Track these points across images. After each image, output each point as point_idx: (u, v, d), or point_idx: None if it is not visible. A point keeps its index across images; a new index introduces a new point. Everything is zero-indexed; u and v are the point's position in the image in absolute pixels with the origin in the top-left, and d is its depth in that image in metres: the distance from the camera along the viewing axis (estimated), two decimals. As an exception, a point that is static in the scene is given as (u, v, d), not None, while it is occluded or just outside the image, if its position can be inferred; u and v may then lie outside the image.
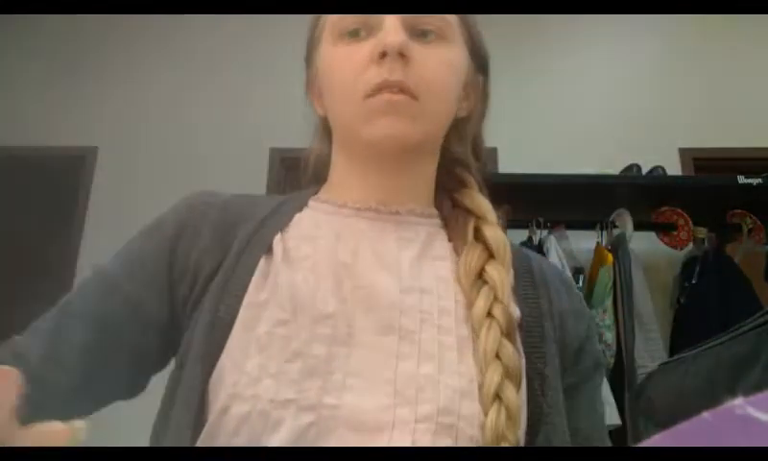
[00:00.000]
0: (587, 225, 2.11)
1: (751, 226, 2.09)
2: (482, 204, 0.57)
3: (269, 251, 0.51)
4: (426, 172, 0.58)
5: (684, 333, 1.99)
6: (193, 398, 0.45)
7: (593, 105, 2.60)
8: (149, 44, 2.88)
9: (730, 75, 2.62)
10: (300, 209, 0.56)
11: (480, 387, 0.45)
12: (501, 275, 0.50)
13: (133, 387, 0.52)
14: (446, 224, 0.57)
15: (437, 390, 0.44)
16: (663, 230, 2.17)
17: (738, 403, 0.17)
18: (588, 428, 0.53)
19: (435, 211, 0.58)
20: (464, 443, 0.43)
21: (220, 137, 2.68)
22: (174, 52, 2.86)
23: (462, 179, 0.60)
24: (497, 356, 0.46)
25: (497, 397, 0.44)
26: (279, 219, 0.54)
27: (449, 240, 0.56)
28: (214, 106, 2.74)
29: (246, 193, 0.60)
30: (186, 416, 0.45)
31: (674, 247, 2.16)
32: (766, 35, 2.66)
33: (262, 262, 0.50)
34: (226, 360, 0.45)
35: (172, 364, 0.51)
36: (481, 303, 0.49)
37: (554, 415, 0.48)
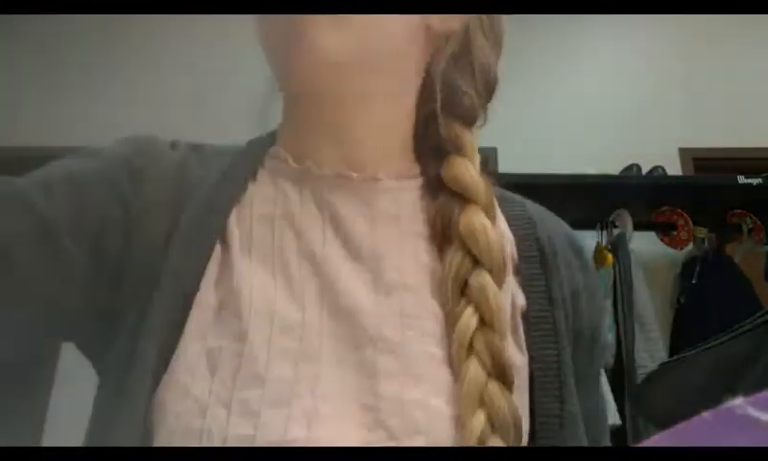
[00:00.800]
0: (586, 225, 2.10)
1: (751, 226, 2.09)
2: (469, 180, 0.43)
3: (224, 234, 0.42)
4: (396, 117, 0.45)
5: (684, 333, 1.98)
6: (137, 421, 0.36)
7: (593, 105, 2.59)
8: (148, 44, 2.88)
9: (730, 75, 2.62)
10: (255, 173, 0.46)
11: (462, 430, 0.36)
12: (487, 290, 0.39)
13: (31, 341, 0.41)
14: (430, 191, 0.46)
15: (427, 419, 0.36)
16: (663, 230, 2.16)
17: (738, 403, 0.17)
18: (596, 434, 0.45)
19: (418, 169, 0.46)
20: None
21: (220, 137, 2.68)
22: (173, 52, 2.86)
23: (447, 135, 0.45)
24: (481, 402, 0.37)
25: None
26: (232, 189, 0.44)
27: (434, 219, 0.44)
28: (214, 105, 2.73)
29: (211, 145, 0.49)
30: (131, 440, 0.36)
31: (674, 247, 2.15)
32: (766, 35, 2.66)
33: (218, 250, 0.41)
34: (170, 378, 0.37)
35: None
36: (461, 329, 0.39)
37: (573, 426, 0.41)
